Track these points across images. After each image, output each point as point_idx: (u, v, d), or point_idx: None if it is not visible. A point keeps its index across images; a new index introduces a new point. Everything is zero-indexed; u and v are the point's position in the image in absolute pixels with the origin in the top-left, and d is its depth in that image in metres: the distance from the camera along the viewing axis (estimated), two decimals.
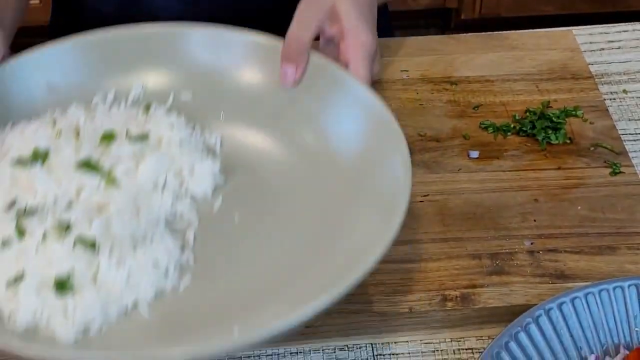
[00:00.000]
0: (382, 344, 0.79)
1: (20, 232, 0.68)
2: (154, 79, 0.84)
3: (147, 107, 0.80)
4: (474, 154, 0.92)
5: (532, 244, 0.84)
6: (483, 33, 1.09)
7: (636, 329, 0.75)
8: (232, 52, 0.84)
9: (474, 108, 0.97)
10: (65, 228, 0.67)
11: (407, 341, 0.79)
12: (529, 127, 0.95)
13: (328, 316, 0.76)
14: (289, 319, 0.60)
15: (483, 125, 0.95)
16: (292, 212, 0.76)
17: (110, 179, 0.72)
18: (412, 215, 0.83)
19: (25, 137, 0.75)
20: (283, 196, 0.78)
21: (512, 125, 0.95)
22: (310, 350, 0.79)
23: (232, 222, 0.75)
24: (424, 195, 0.88)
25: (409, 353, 0.79)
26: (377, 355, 0.79)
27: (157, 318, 0.66)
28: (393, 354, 0.79)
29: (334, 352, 0.79)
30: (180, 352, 0.59)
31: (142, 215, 0.70)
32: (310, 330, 0.78)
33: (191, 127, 0.80)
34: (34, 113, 0.79)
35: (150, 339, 0.65)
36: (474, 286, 0.80)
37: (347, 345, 0.79)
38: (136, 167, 0.73)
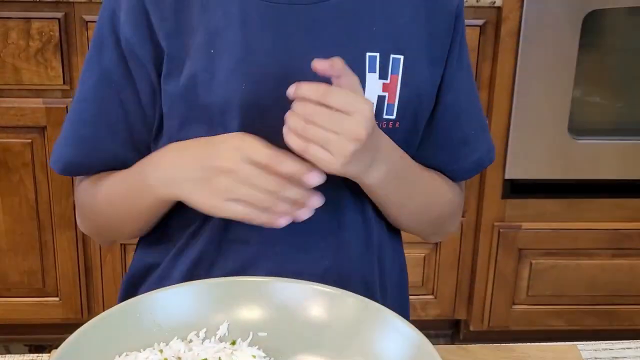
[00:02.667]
0: None
1: None
2: (237, 319, 1.04)
3: (234, 342, 1.01)
4: None
5: None
6: (491, 344, 1.17)
7: None
8: (300, 299, 1.05)
9: None
10: None
11: None
12: None
13: None
14: None
15: None
16: None
17: None
18: None
19: None
20: None
21: None
22: None
23: None
24: None
25: None
26: None
27: None
28: None
29: None
30: None
31: None
32: None
33: (268, 358, 1.00)
34: (142, 345, 0.99)
35: None
36: None
37: None
38: None
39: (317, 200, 1.03)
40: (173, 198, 1.08)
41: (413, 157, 1.19)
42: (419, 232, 1.27)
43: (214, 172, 1.01)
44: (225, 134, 1.04)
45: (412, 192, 1.18)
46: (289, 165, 0.99)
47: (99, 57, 1.13)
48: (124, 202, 1.15)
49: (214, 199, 1.02)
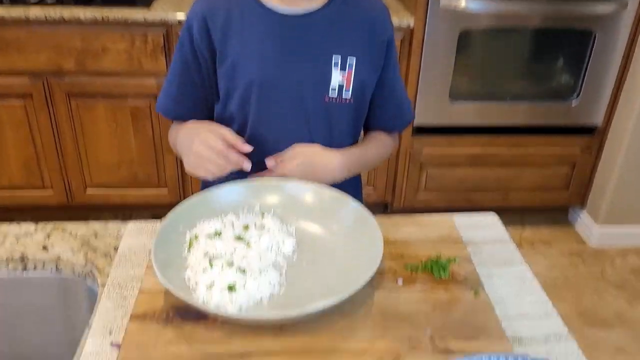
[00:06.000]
0: None
1: (211, 265, 0.87)
2: (265, 203, 1.03)
3: (263, 214, 1.00)
4: (400, 281, 0.96)
5: (431, 333, 0.86)
6: (405, 215, 1.13)
7: None
8: (298, 191, 1.04)
9: (400, 256, 1.02)
10: (231, 263, 0.87)
11: None
12: (429, 268, 0.99)
13: None
14: (322, 307, 0.80)
15: (405, 266, 0.99)
16: (328, 260, 0.94)
17: (248, 245, 0.92)
18: (365, 314, 0.88)
19: (210, 226, 0.96)
20: (323, 253, 0.96)
21: (420, 266, 0.99)
22: None
23: (302, 265, 0.93)
24: (373, 303, 0.90)
25: None
26: None
27: (271, 304, 0.85)
28: None
29: None
30: (281, 315, 0.80)
31: (263, 261, 0.89)
32: None
33: (282, 223, 0.99)
34: (212, 216, 0.99)
35: (267, 311, 0.83)
36: (399, 356, 0.81)
37: None
38: (259, 240, 0.93)
39: (247, 166, 1.01)
40: None
41: (365, 122, 1.19)
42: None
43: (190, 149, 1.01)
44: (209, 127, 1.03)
45: (365, 165, 1.18)
46: (242, 147, 1.01)
47: (181, 51, 1.10)
48: (173, 144, 1.16)
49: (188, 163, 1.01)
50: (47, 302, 1.02)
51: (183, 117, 1.15)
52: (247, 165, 1.02)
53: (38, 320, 1.03)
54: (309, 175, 1.05)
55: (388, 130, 1.22)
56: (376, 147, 1.20)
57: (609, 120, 2.40)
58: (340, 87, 1.07)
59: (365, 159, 1.17)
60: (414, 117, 1.23)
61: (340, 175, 1.10)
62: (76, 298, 1.01)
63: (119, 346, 0.81)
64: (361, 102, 1.12)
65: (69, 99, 2.18)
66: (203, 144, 1.00)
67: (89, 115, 2.22)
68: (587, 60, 2.28)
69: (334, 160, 1.09)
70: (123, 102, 2.21)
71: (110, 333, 0.84)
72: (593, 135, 2.44)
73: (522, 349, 0.85)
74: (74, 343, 0.98)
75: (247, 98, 1.07)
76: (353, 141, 1.18)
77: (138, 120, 2.25)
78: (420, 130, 2.37)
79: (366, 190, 2.48)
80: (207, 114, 1.15)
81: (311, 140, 1.10)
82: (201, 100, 1.13)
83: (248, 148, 1.02)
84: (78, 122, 2.23)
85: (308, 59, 1.06)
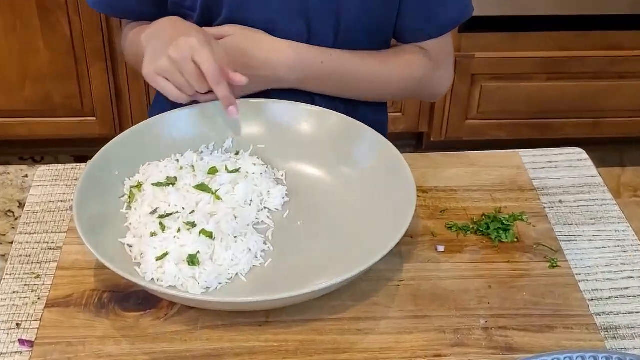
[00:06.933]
0: None
1: (162, 227, 0.87)
2: (240, 135, 1.03)
3: (237, 152, 1.01)
4: (441, 248, 0.96)
5: (486, 322, 0.86)
6: (448, 152, 1.15)
7: None
8: (291, 117, 1.04)
9: (440, 212, 1.02)
10: (192, 224, 0.86)
11: None
12: (484, 228, 0.99)
13: None
14: (325, 285, 0.79)
15: (448, 226, 1.00)
16: (334, 218, 0.95)
17: (217, 197, 0.91)
18: (389, 296, 0.89)
19: (159, 170, 0.95)
20: (327, 208, 0.97)
21: (471, 226, 1.00)
22: None
23: (296, 225, 0.94)
24: (400, 281, 0.91)
25: None
26: None
27: (251, 282, 0.85)
28: None
29: None
30: (266, 298, 0.79)
31: (238, 220, 0.90)
32: None
33: (266, 165, 1.00)
34: (161, 156, 0.98)
35: (245, 294, 0.84)
36: (439, 355, 0.81)
37: None
38: (233, 189, 0.93)
39: (234, 113, 0.98)
40: None
41: (397, 19, 1.15)
42: (385, 100, 1.27)
43: (163, 53, 0.95)
44: (196, 31, 0.98)
45: (353, 83, 1.14)
46: (221, 90, 0.95)
47: None
48: (134, 56, 1.13)
49: (150, 70, 0.97)
50: None
51: (127, 13, 1.14)
52: (232, 111, 0.99)
53: None
54: (236, 67, 1.01)
55: (420, 32, 1.17)
56: (385, 60, 1.15)
57: None
58: None
59: (353, 71, 1.12)
60: (467, 14, 1.20)
61: (287, 75, 1.08)
62: None
63: (32, 344, 0.82)
64: None
65: None
66: (189, 59, 0.95)
67: None
68: None
69: (281, 52, 1.07)
70: None
71: (19, 326, 0.84)
72: None
73: (617, 343, 0.85)
74: None
75: None
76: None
77: (48, 12, 2.21)
78: (472, 26, 2.33)
79: (392, 116, 2.48)
80: (160, 6, 1.13)
81: (309, 39, 1.09)
82: None
83: (241, 79, 0.97)
84: None
85: None
